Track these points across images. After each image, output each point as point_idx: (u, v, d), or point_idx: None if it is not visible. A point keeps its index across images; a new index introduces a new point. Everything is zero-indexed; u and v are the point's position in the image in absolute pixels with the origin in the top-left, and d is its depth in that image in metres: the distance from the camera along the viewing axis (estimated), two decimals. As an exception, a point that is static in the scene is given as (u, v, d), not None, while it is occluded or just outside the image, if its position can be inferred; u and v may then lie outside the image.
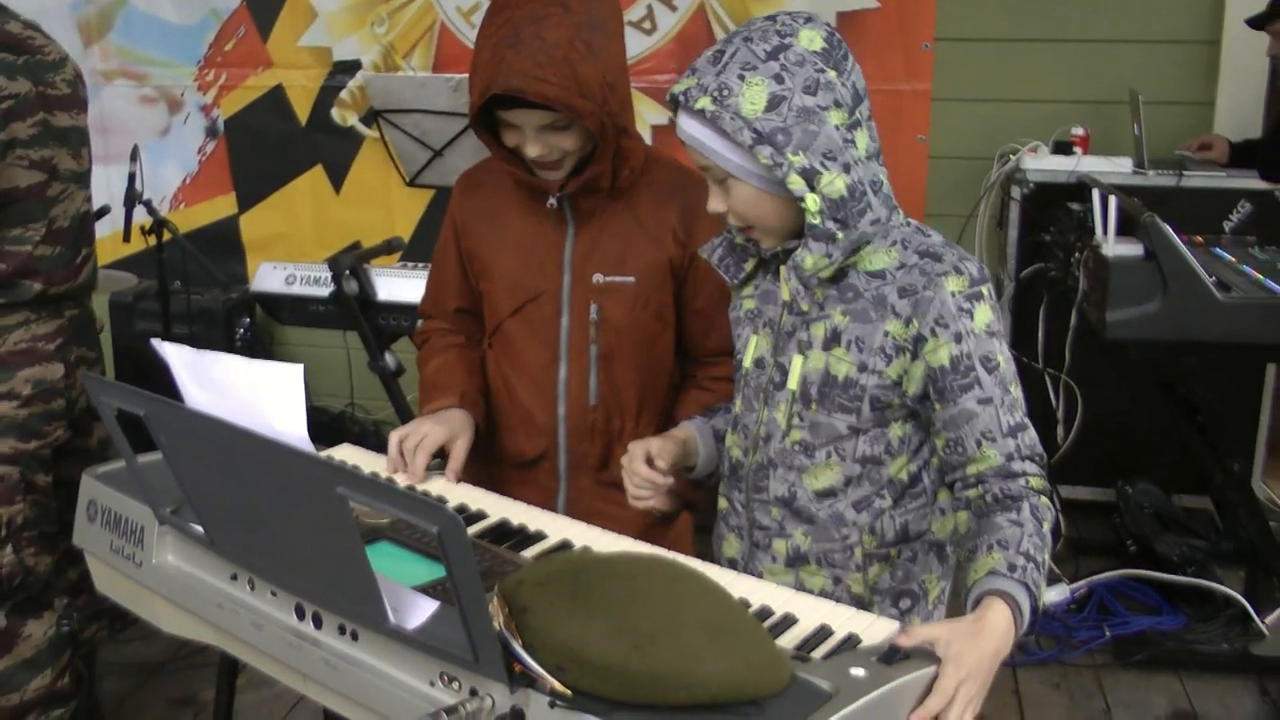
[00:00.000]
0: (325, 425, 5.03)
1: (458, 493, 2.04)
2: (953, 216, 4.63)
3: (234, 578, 1.68)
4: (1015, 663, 3.64)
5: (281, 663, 1.63)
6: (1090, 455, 4.41)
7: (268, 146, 5.35)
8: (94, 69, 5.36)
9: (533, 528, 1.87)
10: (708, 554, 1.93)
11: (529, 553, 1.78)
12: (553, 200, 2.15)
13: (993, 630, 1.50)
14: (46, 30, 2.86)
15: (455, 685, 1.39)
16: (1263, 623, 3.69)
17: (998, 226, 4.65)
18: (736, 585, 1.63)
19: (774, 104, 1.64)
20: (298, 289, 4.06)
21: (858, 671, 1.35)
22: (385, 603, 1.39)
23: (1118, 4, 4.56)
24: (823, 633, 1.53)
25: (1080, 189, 4.08)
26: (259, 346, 5.20)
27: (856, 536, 1.82)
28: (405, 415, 3.73)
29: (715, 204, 1.77)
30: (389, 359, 3.64)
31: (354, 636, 1.51)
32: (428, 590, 1.51)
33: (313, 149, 5.31)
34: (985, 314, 1.71)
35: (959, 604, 1.63)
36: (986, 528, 1.66)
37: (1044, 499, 1.69)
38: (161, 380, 1.75)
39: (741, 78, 1.65)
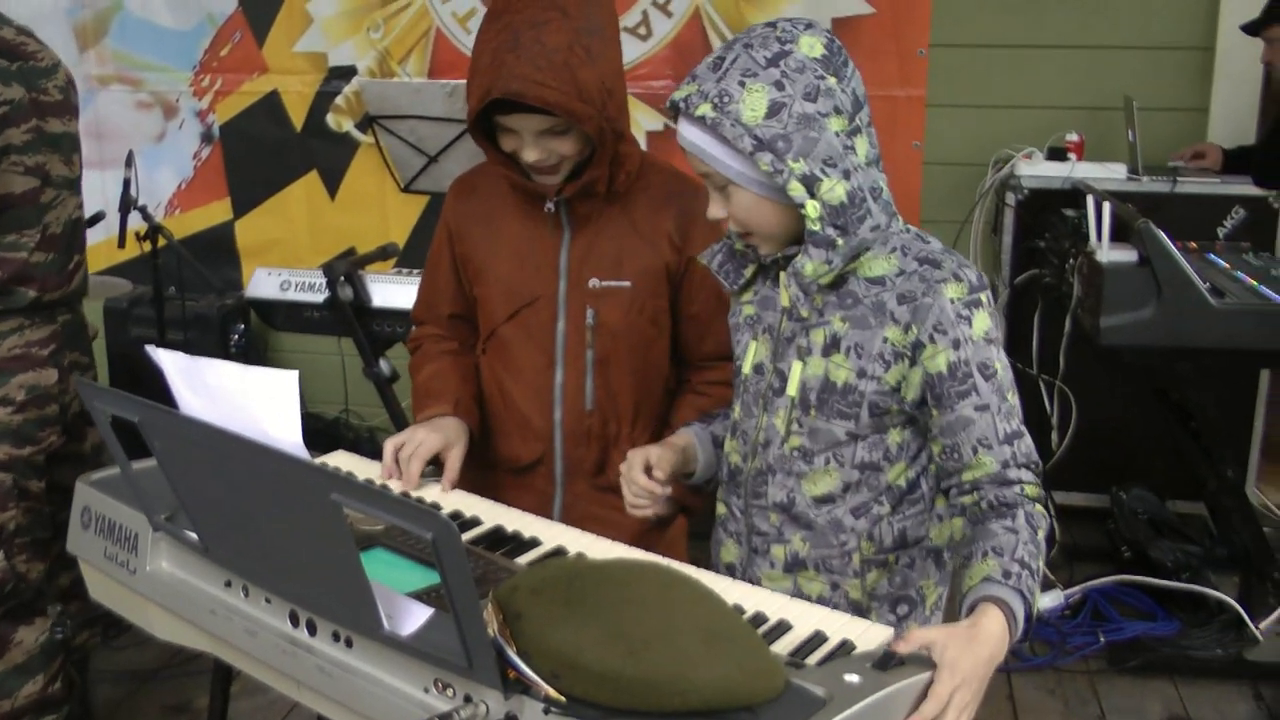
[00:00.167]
0: (320, 432, 5.02)
1: (452, 499, 2.04)
2: (947, 222, 4.63)
3: (228, 584, 1.68)
4: (1010, 668, 3.64)
5: (276, 670, 1.62)
6: (1085, 461, 4.41)
7: (263, 152, 5.34)
8: (89, 74, 5.36)
9: (527, 534, 1.87)
10: (703, 560, 1.93)
11: (523, 559, 1.78)
12: (550, 205, 2.15)
13: (987, 637, 1.51)
14: (42, 35, 2.86)
15: (450, 692, 1.39)
16: (1257, 628, 3.69)
17: (992, 232, 4.65)
18: (731, 591, 1.63)
19: (774, 111, 1.65)
20: (293, 295, 4.06)
21: (852, 678, 1.35)
22: (380, 609, 1.39)
23: (1112, 10, 4.57)
24: (817, 639, 1.53)
25: (1075, 195, 4.09)
26: (254, 352, 5.19)
27: (855, 542, 1.82)
28: (400, 422, 3.73)
29: (715, 210, 1.77)
30: (384, 365, 3.65)
31: (348, 643, 1.51)
32: (422, 597, 1.51)
33: (308, 155, 5.31)
34: (984, 321, 1.72)
35: (956, 610, 1.63)
36: (981, 534, 1.66)
37: (1039, 506, 1.69)
38: (156, 386, 1.75)
39: (742, 84, 1.66)
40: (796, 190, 1.66)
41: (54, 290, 2.76)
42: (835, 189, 1.67)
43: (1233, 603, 3.75)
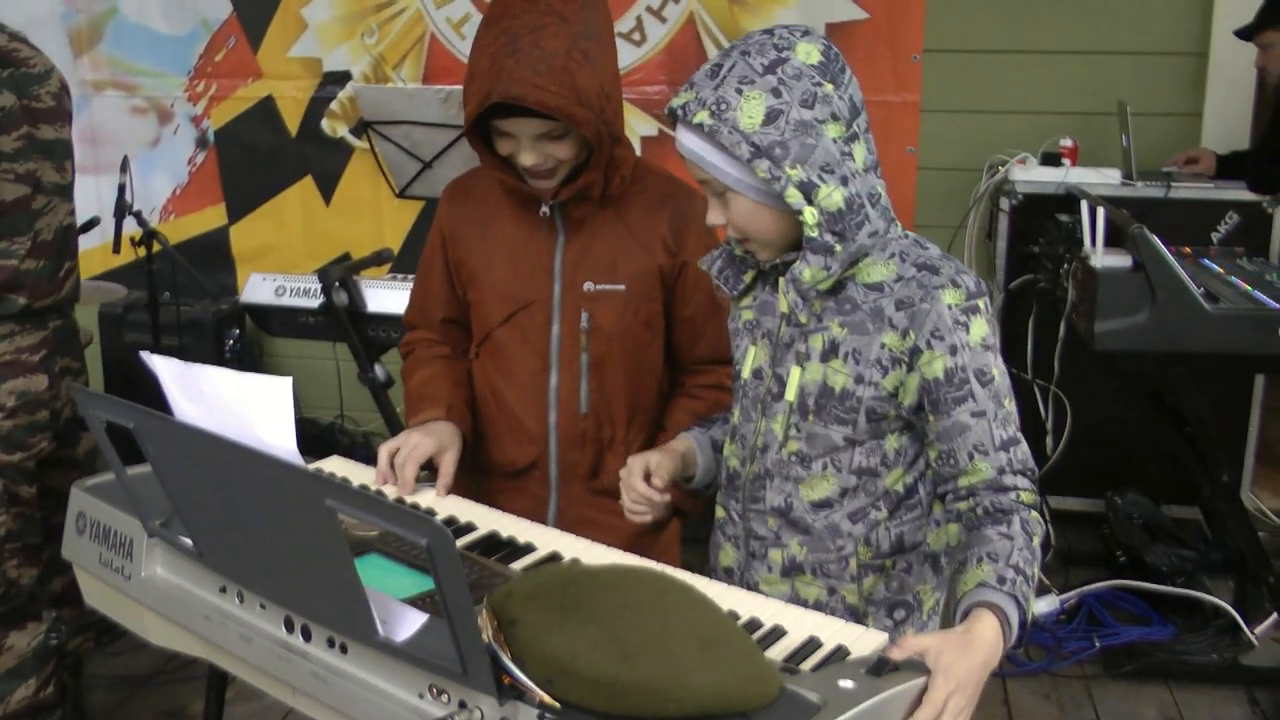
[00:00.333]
0: (315, 437, 5.02)
1: (447, 505, 2.04)
2: (942, 228, 4.64)
3: (223, 590, 1.68)
4: (1005, 674, 3.65)
5: (270, 675, 1.62)
6: (1079, 466, 4.41)
7: (258, 157, 5.35)
8: (84, 79, 5.37)
9: (522, 540, 1.87)
10: (696, 565, 1.93)
11: (518, 565, 1.78)
12: (545, 209, 2.15)
13: (982, 642, 1.51)
14: (36, 41, 2.86)
15: (444, 698, 1.39)
16: (1252, 633, 3.70)
17: (986, 238, 4.66)
18: (725, 597, 1.63)
19: (771, 118, 1.65)
20: (287, 300, 4.06)
21: (846, 683, 1.35)
22: (374, 615, 1.39)
23: (1106, 16, 4.58)
24: (812, 644, 1.53)
25: (1069, 200, 4.09)
26: (248, 358, 5.19)
27: (852, 547, 1.83)
28: (395, 427, 3.73)
29: (714, 216, 1.78)
30: (379, 370, 3.64)
31: (343, 649, 1.51)
32: (417, 603, 1.51)
33: (303, 160, 5.32)
34: (981, 328, 1.72)
35: (953, 615, 1.64)
36: (977, 540, 1.67)
37: (1034, 513, 1.69)
38: (151, 392, 1.74)
39: (739, 91, 1.66)
40: (794, 197, 1.66)
41: (44, 297, 2.76)
42: (833, 195, 1.67)
43: (1228, 607, 3.76)
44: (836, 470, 1.80)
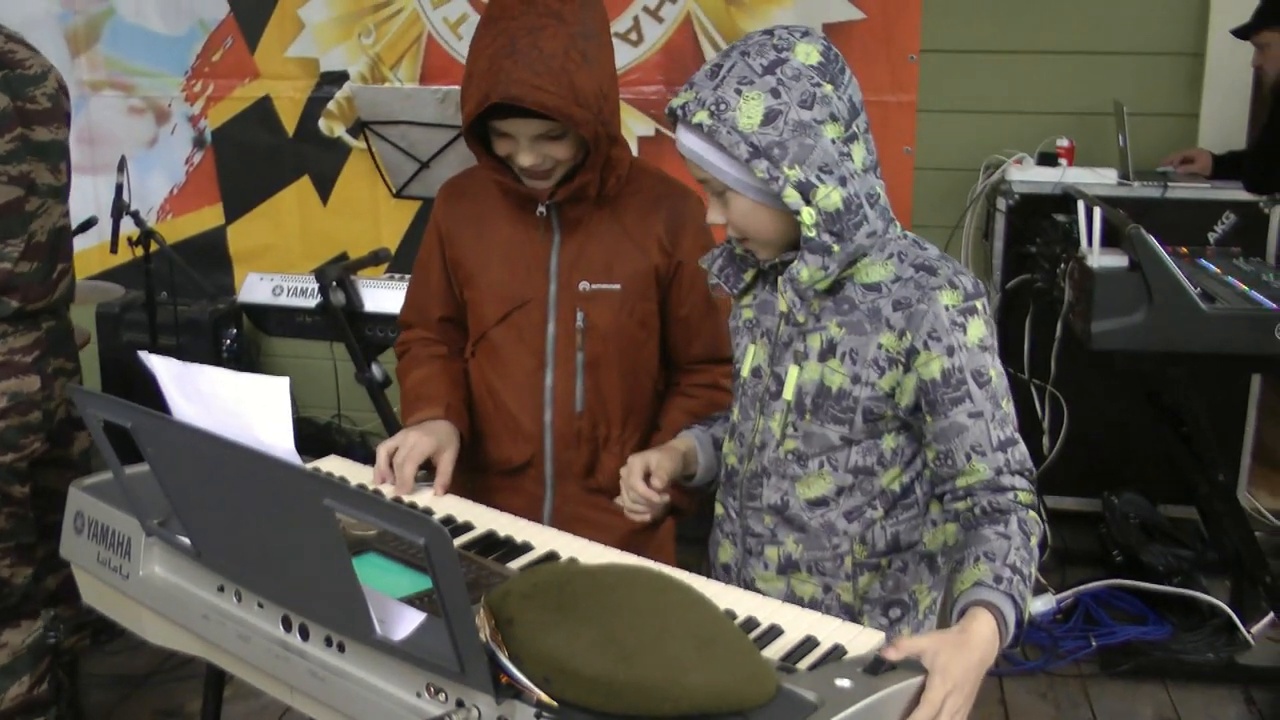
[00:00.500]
0: (312, 436, 5.02)
1: (445, 504, 2.04)
2: (938, 228, 4.64)
3: (221, 589, 1.68)
4: (1002, 673, 3.65)
5: (268, 674, 1.63)
6: (1076, 465, 4.42)
7: (255, 157, 5.35)
8: (81, 79, 5.36)
9: (519, 539, 1.88)
10: (693, 564, 1.93)
11: (516, 564, 1.78)
12: (541, 209, 2.16)
13: (978, 641, 1.51)
14: (33, 41, 2.85)
15: (442, 696, 1.39)
16: (1248, 632, 3.70)
17: (983, 238, 4.67)
18: (723, 596, 1.64)
19: (770, 118, 1.65)
20: (285, 300, 4.06)
21: (843, 682, 1.35)
22: (372, 614, 1.39)
23: (1102, 16, 4.58)
24: (809, 644, 1.53)
25: (1065, 200, 4.09)
26: (246, 357, 5.19)
27: (847, 546, 1.83)
28: (392, 426, 3.73)
29: (714, 216, 1.78)
30: (376, 370, 3.65)
31: (340, 648, 1.51)
32: (414, 602, 1.51)
33: (300, 160, 5.31)
34: (978, 328, 1.72)
35: (949, 615, 1.64)
36: (974, 540, 1.67)
37: (1032, 513, 1.70)
38: (148, 392, 1.75)
39: (738, 92, 1.66)
40: (791, 197, 1.66)
41: (37, 300, 2.76)
42: (831, 196, 1.67)
43: (1224, 607, 3.76)
44: (833, 469, 1.81)
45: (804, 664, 1.47)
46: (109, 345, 4.95)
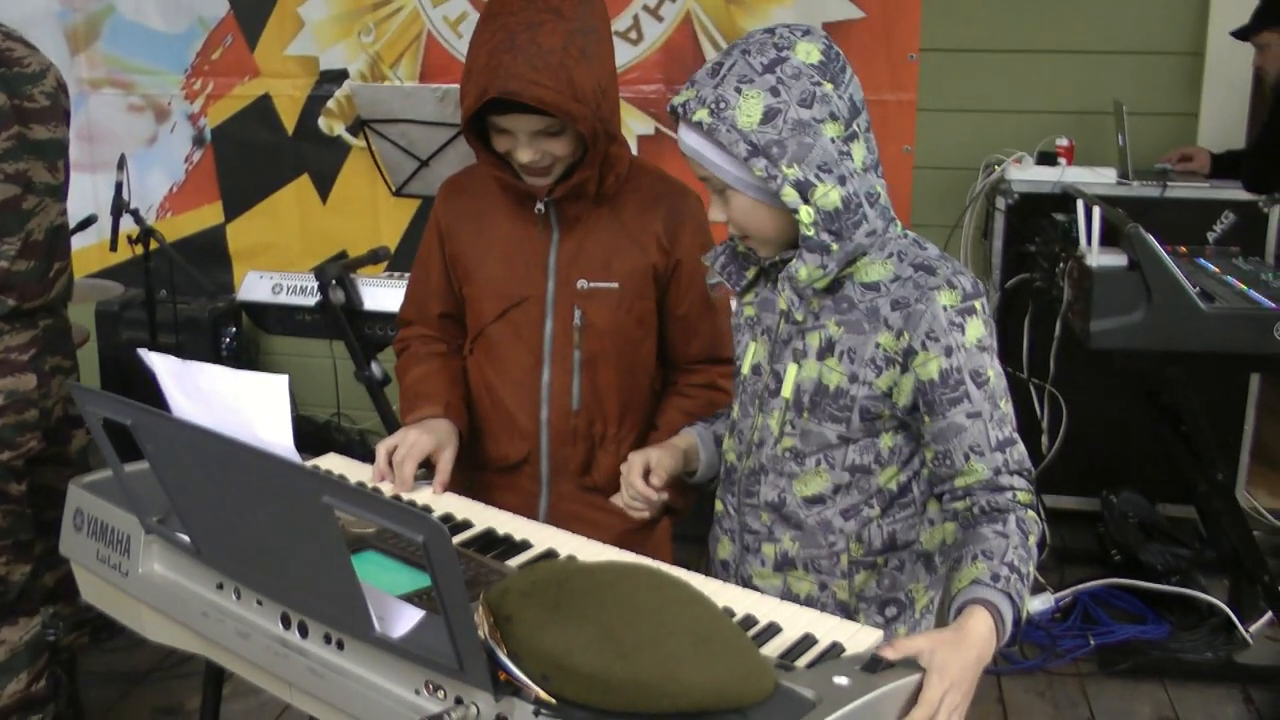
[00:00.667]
0: (311, 435, 5.02)
1: (443, 502, 2.04)
2: (938, 227, 4.65)
3: (220, 587, 1.68)
4: (1000, 671, 3.65)
5: (267, 671, 1.63)
6: (1075, 464, 4.42)
7: (254, 156, 5.35)
8: (81, 77, 5.36)
9: (518, 537, 1.88)
10: (690, 562, 1.94)
11: (514, 562, 1.78)
12: (540, 206, 2.16)
13: (975, 639, 1.51)
14: (33, 39, 2.85)
15: (440, 694, 1.40)
16: (1247, 631, 3.71)
17: (982, 237, 4.67)
18: (721, 594, 1.64)
19: (769, 116, 1.65)
20: (284, 298, 4.06)
21: (841, 680, 1.35)
22: (371, 611, 1.39)
23: (1102, 16, 4.58)
24: (807, 641, 1.53)
25: (1065, 199, 4.09)
26: (245, 355, 5.20)
27: (843, 544, 1.83)
28: (391, 425, 3.73)
29: (715, 214, 1.79)
30: (375, 368, 3.65)
31: (339, 645, 1.51)
32: (413, 599, 1.51)
33: (299, 158, 5.32)
34: (977, 329, 1.72)
35: (947, 614, 1.64)
36: (972, 539, 1.67)
37: (1030, 513, 1.70)
38: (148, 390, 1.75)
39: (738, 90, 1.66)
40: (790, 196, 1.66)
41: (33, 299, 2.75)
42: (830, 195, 1.67)
43: (1223, 606, 3.77)
44: (830, 467, 1.81)
45: (802, 662, 1.48)
46: (108, 343, 4.95)
